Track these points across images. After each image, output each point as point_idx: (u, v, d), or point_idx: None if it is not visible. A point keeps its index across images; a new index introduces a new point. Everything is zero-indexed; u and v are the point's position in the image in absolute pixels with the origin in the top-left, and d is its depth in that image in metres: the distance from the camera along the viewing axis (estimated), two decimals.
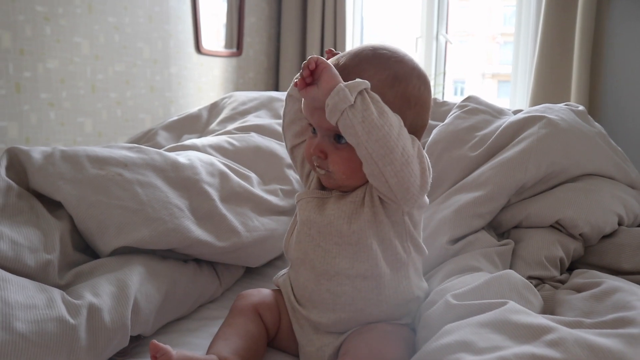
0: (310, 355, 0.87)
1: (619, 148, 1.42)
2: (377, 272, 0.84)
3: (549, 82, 2.86)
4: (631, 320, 0.75)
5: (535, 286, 1.05)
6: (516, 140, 1.27)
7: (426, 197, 0.89)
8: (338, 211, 0.84)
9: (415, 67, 0.85)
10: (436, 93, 3.53)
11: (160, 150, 1.14)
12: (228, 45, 3.35)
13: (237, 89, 3.40)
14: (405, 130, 0.78)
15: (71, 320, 0.75)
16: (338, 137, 0.82)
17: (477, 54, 5.50)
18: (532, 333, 0.73)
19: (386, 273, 0.84)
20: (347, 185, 0.86)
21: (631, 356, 0.68)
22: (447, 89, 3.71)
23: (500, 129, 1.31)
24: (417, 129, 0.86)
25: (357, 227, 0.83)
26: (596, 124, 1.44)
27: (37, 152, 1.03)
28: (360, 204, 0.84)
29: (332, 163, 0.83)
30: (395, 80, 0.82)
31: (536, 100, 2.87)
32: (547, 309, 0.93)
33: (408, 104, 0.83)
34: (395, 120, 0.77)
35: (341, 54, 0.88)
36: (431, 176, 0.85)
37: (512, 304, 0.79)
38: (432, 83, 3.48)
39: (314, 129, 0.86)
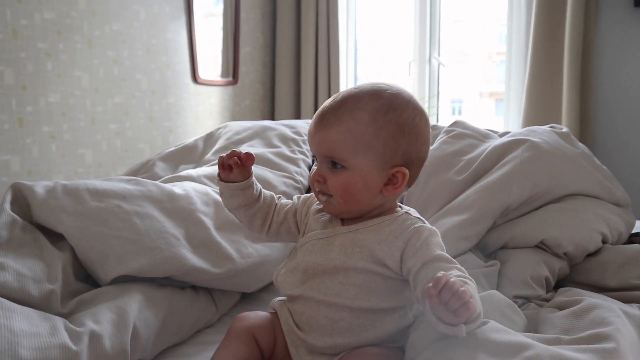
0: None
1: (605, 167, 1.46)
2: (378, 308, 0.87)
3: (540, 101, 2.93)
4: (606, 336, 0.79)
5: (521, 305, 1.08)
6: (500, 163, 1.32)
7: None
8: (345, 257, 0.87)
9: (411, 100, 0.89)
10: (430, 115, 3.59)
11: (157, 182, 1.19)
12: (224, 74, 3.43)
13: (234, 117, 3.46)
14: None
15: (73, 347, 0.79)
16: (334, 163, 0.86)
17: (473, 74, 5.56)
18: (511, 350, 0.76)
19: (387, 308, 0.88)
20: (348, 211, 0.89)
21: None
22: (444, 110, 3.77)
23: (485, 153, 1.36)
24: (412, 159, 0.88)
25: (365, 274, 0.86)
26: (580, 144, 1.48)
27: (40, 186, 1.08)
28: (368, 257, 0.86)
29: (331, 187, 0.87)
30: (390, 109, 0.86)
31: (529, 119, 2.93)
32: (531, 327, 0.96)
33: (402, 132, 0.86)
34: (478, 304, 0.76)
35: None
36: None
37: (492, 323, 0.83)
38: (426, 105, 3.55)
39: (315, 158, 0.91)
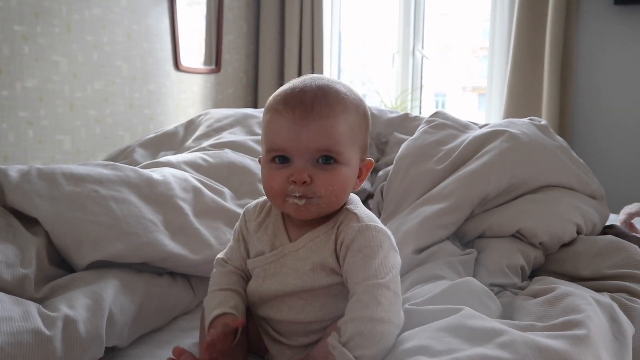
0: None
1: (581, 160, 1.48)
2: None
3: (521, 96, 2.97)
4: (578, 323, 0.81)
5: (497, 293, 1.10)
6: (479, 153, 1.33)
7: None
8: (302, 282, 0.83)
9: (353, 91, 0.86)
10: (413, 107, 3.60)
11: (135, 167, 1.18)
12: (207, 62, 3.39)
13: (216, 106, 3.44)
14: (397, 307, 0.79)
15: (47, 332, 0.78)
16: (325, 157, 0.79)
17: (457, 68, 5.61)
18: (485, 336, 0.78)
19: None
20: (328, 211, 0.83)
21: (575, 355, 0.73)
22: (427, 104, 3.78)
23: (464, 143, 1.37)
24: (366, 151, 0.88)
25: (326, 288, 0.84)
26: (558, 137, 1.50)
27: (14, 170, 1.06)
28: (321, 270, 0.83)
29: (323, 186, 0.79)
30: (360, 101, 0.85)
31: (509, 113, 2.97)
32: (506, 314, 0.97)
33: (368, 124, 0.86)
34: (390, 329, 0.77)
35: (295, 85, 0.82)
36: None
37: (468, 309, 0.84)
38: (408, 98, 3.56)
39: (279, 158, 0.81)
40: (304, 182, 0.79)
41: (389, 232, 0.85)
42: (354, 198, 0.89)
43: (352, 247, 0.80)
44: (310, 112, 0.78)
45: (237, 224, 0.95)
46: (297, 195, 0.79)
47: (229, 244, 0.95)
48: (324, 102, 0.79)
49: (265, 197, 0.92)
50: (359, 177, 0.86)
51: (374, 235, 0.81)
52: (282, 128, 0.80)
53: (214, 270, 0.94)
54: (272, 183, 0.81)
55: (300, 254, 0.84)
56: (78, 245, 0.98)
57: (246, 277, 0.92)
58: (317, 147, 0.79)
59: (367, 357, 0.74)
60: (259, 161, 0.88)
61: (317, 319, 0.85)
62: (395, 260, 0.82)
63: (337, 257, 0.82)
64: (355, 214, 0.84)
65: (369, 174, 0.91)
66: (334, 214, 0.85)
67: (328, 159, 0.80)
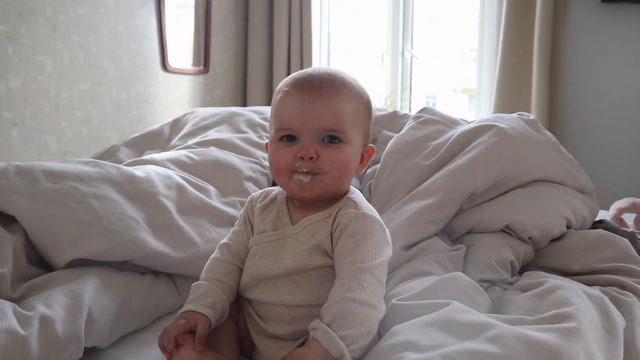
0: (267, 358, 0.88)
1: (570, 155, 1.47)
2: None
3: (510, 97, 2.98)
4: (568, 316, 0.79)
5: (486, 289, 1.08)
6: (467, 148, 1.32)
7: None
8: (298, 262, 0.84)
9: (358, 81, 0.91)
10: (402, 108, 3.60)
11: (117, 164, 1.15)
12: (195, 62, 3.37)
13: (205, 107, 3.41)
14: (380, 295, 0.79)
15: (22, 332, 0.75)
16: (331, 137, 0.83)
17: (448, 70, 5.65)
18: (473, 330, 0.76)
19: None
20: (334, 190, 0.86)
21: (566, 348, 0.71)
22: (417, 105, 3.78)
23: (452, 138, 1.36)
24: (369, 139, 0.92)
25: (319, 269, 0.84)
26: (546, 132, 1.49)
27: None
28: (315, 250, 0.84)
29: (328, 162, 0.82)
30: (364, 90, 0.89)
31: (499, 112, 2.97)
32: (496, 309, 0.96)
33: (370, 113, 0.90)
34: (372, 313, 0.77)
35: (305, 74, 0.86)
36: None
37: (456, 303, 0.82)
38: (398, 98, 3.55)
39: (287, 137, 0.84)
40: (311, 158, 0.82)
41: (384, 226, 0.86)
42: (356, 190, 0.92)
43: (346, 231, 0.82)
44: (317, 91, 0.83)
45: (243, 209, 0.97)
46: (304, 171, 0.83)
47: (233, 228, 0.97)
48: (331, 84, 0.84)
49: (268, 188, 0.97)
50: (361, 162, 0.89)
51: (369, 223, 0.83)
52: (290, 107, 0.84)
53: (213, 253, 0.95)
54: (280, 159, 0.84)
55: (300, 236, 0.86)
56: (57, 244, 0.95)
57: (242, 265, 0.93)
58: (323, 126, 0.82)
59: (350, 338, 0.74)
60: (266, 147, 0.91)
61: (306, 303, 0.84)
62: (385, 251, 0.84)
63: (332, 240, 0.84)
64: (354, 201, 0.87)
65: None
66: (334, 201, 0.88)
67: (333, 139, 0.83)
